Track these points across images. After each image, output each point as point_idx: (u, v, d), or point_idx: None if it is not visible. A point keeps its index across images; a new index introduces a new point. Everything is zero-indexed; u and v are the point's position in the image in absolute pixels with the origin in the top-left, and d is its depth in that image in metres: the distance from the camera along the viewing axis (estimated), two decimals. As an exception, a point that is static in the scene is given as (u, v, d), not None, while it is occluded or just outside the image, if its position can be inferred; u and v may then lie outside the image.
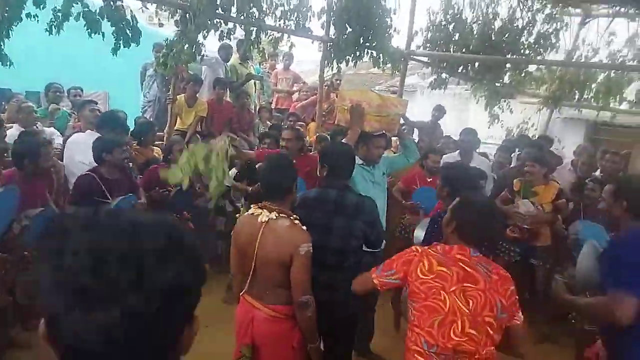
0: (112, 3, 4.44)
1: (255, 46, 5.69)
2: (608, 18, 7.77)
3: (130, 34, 4.58)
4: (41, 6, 4.09)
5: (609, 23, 7.78)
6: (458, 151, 5.16)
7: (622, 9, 7.37)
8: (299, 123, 6.90)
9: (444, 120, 7.44)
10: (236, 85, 6.58)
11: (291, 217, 2.35)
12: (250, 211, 2.43)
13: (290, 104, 7.82)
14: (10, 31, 4.01)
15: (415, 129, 7.06)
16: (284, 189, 2.42)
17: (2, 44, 3.99)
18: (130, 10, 4.64)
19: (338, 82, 7.63)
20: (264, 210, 2.34)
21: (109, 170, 3.74)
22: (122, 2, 4.51)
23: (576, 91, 7.99)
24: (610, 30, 7.78)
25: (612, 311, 1.87)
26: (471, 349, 1.87)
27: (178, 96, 5.60)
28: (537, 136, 7.55)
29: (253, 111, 6.83)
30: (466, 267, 1.95)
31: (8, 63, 4.08)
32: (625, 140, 8.19)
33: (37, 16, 4.15)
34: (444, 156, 5.30)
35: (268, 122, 6.61)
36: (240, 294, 2.46)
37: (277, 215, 2.31)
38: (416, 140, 6.69)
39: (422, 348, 1.91)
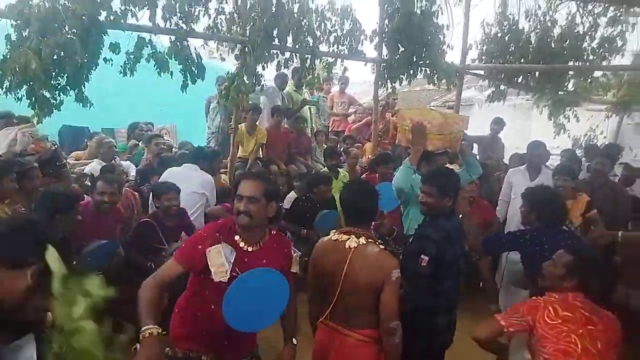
0: (178, 43, 4.76)
1: (310, 73, 5.86)
2: (679, 15, 7.30)
3: (195, 71, 4.88)
4: (116, 50, 4.46)
5: (681, 20, 7.31)
6: (525, 165, 4.98)
7: (695, 5, 6.93)
8: (356, 144, 6.98)
9: (504, 132, 7.24)
10: (292, 112, 6.77)
11: (377, 242, 2.35)
12: (332, 237, 2.40)
13: (346, 126, 7.92)
14: (89, 75, 4.40)
15: (474, 143, 6.92)
16: (370, 214, 2.44)
17: (83, 87, 4.38)
18: (195, 49, 4.93)
19: (395, 100, 7.66)
20: (352, 236, 2.33)
21: (165, 216, 3.72)
22: (187, 41, 4.81)
23: (647, 95, 7.53)
24: (682, 28, 7.32)
25: None
26: None
27: (239, 125, 5.84)
28: (604, 144, 7.15)
29: (310, 135, 6.97)
30: (585, 312, 2.15)
31: (89, 104, 4.46)
32: None
33: (112, 60, 4.52)
34: (510, 170, 5.19)
35: (324, 145, 6.73)
36: (320, 320, 2.45)
37: (365, 240, 2.31)
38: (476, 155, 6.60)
39: None
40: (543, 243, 2.91)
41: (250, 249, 2.18)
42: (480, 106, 10.38)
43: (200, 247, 2.10)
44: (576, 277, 2.25)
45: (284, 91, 6.90)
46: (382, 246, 2.34)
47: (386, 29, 6.20)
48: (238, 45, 5.24)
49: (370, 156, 6.49)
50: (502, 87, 7.57)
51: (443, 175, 2.81)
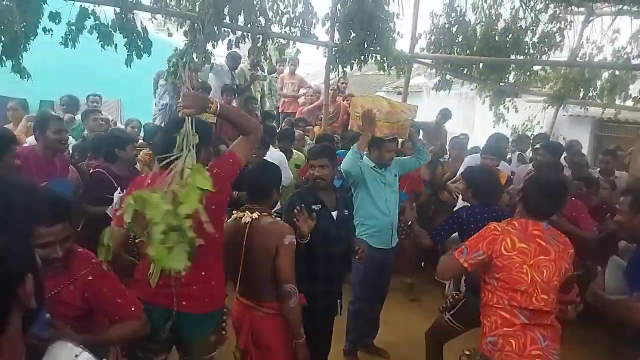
0: (123, 16, 4.61)
1: (263, 53, 5.85)
2: (612, 16, 7.81)
3: (141, 45, 4.76)
4: (56, 20, 4.27)
5: (613, 20, 7.82)
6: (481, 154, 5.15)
7: (626, 7, 7.42)
8: (307, 127, 7.04)
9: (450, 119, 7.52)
10: (242, 87, 6.72)
11: (272, 216, 2.50)
12: (233, 216, 2.55)
13: (297, 108, 7.96)
14: (27, 45, 4.19)
15: (420, 129, 7.16)
16: (264, 191, 2.55)
17: (20, 57, 4.17)
18: (141, 22, 4.80)
19: (344, 85, 7.76)
20: (247, 212, 2.48)
21: (117, 166, 3.68)
22: (132, 14, 4.67)
23: (581, 89, 8.03)
24: (614, 27, 7.83)
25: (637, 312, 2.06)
26: (547, 309, 2.22)
27: (188, 103, 5.74)
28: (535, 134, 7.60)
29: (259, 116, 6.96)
30: (541, 242, 2.26)
31: (26, 76, 4.26)
32: (628, 137, 8.24)
33: (52, 30, 4.33)
34: (468, 157, 5.48)
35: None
36: (235, 296, 2.58)
37: (258, 214, 2.45)
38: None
39: (504, 305, 2.24)
40: (477, 221, 3.04)
41: None
42: (428, 93, 10.69)
43: None
44: (521, 198, 2.38)
45: (238, 69, 6.84)
46: (277, 218, 2.52)
47: (338, 14, 6.25)
48: (187, 20, 5.14)
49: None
50: (448, 76, 7.85)
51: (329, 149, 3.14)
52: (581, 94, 8.08)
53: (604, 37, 7.88)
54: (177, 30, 5.63)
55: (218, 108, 2.17)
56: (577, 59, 7.96)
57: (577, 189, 4.15)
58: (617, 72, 7.70)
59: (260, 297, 2.46)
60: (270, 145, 4.74)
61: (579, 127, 9.42)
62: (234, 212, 2.58)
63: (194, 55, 4.97)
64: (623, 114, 8.49)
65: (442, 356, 3.19)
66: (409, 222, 3.33)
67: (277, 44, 6.13)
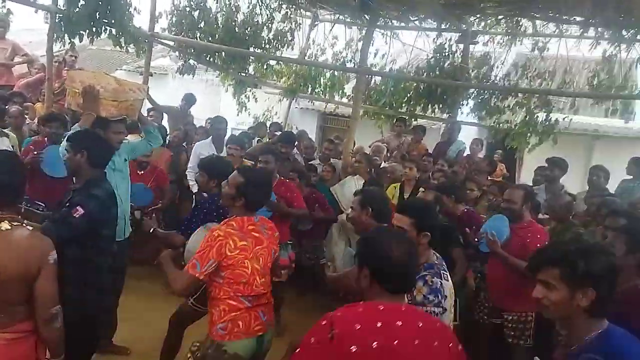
0: None
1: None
2: (331, 23, 9.08)
3: None
4: None
5: (332, 27, 9.11)
6: (210, 138, 5.32)
7: (341, 17, 8.73)
8: (26, 104, 6.01)
9: (196, 105, 7.54)
10: None
11: (23, 223, 2.07)
12: None
13: (10, 79, 6.70)
14: None
15: (164, 113, 6.99)
16: (16, 191, 2.10)
17: None
18: None
19: (73, 58, 6.88)
20: None
21: None
22: None
23: (309, 85, 9.11)
24: (333, 33, 9.13)
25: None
26: (264, 291, 2.61)
27: None
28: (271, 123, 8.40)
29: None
30: (256, 234, 2.58)
31: None
32: (344, 128, 9.82)
33: None
34: (197, 143, 5.46)
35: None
36: None
37: (10, 224, 1.98)
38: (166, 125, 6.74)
39: (231, 296, 2.48)
40: (204, 206, 3.37)
41: None
42: (174, 77, 10.42)
43: None
44: (243, 196, 2.53)
45: None
46: (30, 227, 2.09)
47: (62, -25, 5.51)
48: None
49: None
50: (191, 61, 7.84)
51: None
52: (309, 90, 9.19)
53: (326, 41, 9.14)
54: None
55: None
56: (306, 57, 8.99)
57: (291, 178, 4.71)
58: (335, 73, 9.03)
59: (1, 324, 1.98)
60: None
61: (308, 118, 10.73)
62: None
63: None
64: (341, 109, 10.02)
65: (181, 340, 3.30)
66: (150, 230, 3.18)
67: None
